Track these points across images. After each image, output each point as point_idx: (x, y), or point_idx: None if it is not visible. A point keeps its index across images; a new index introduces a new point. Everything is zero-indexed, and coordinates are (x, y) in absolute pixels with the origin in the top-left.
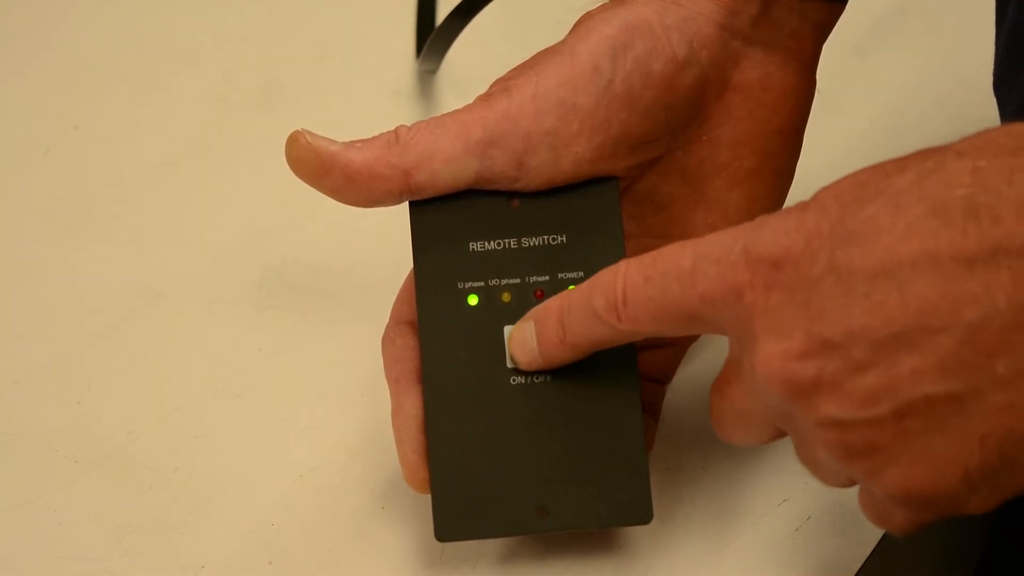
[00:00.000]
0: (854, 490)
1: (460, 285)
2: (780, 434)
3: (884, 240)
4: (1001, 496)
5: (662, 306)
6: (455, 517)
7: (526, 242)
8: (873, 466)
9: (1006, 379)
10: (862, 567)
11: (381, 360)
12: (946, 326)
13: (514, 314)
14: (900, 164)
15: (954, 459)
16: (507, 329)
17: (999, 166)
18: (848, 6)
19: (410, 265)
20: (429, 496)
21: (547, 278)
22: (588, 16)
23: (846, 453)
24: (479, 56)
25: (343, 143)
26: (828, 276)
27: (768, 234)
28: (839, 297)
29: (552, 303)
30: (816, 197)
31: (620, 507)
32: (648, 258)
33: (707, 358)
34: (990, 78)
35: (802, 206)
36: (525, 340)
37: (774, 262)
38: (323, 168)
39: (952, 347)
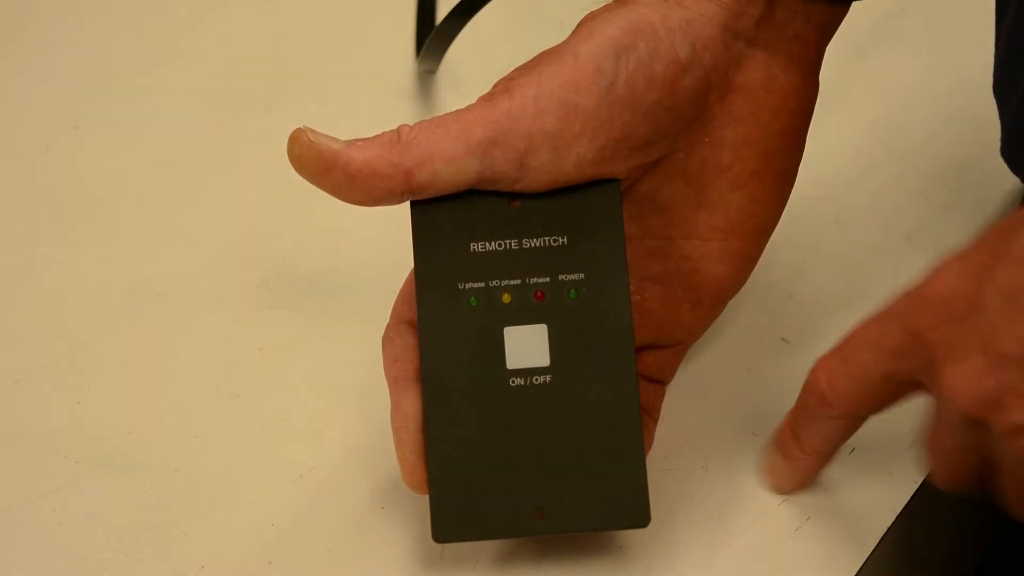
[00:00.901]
0: (854, 494)
1: (460, 285)
2: (981, 463)
3: None
4: None
5: (862, 378)
6: (453, 518)
7: (527, 243)
8: None
9: None
10: (862, 567)
11: (381, 360)
12: None
13: (514, 315)
14: None
15: None
16: (507, 330)
17: None
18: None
19: (410, 265)
20: (428, 496)
21: (547, 279)
22: (591, 17)
23: None
24: (479, 56)
25: (345, 141)
26: (995, 298)
27: (936, 278)
28: (1008, 314)
29: (784, 422)
30: (980, 236)
31: (618, 510)
32: (843, 342)
33: (707, 358)
34: (990, 79)
35: (966, 249)
36: (778, 468)
37: (945, 299)
38: (325, 166)
39: None
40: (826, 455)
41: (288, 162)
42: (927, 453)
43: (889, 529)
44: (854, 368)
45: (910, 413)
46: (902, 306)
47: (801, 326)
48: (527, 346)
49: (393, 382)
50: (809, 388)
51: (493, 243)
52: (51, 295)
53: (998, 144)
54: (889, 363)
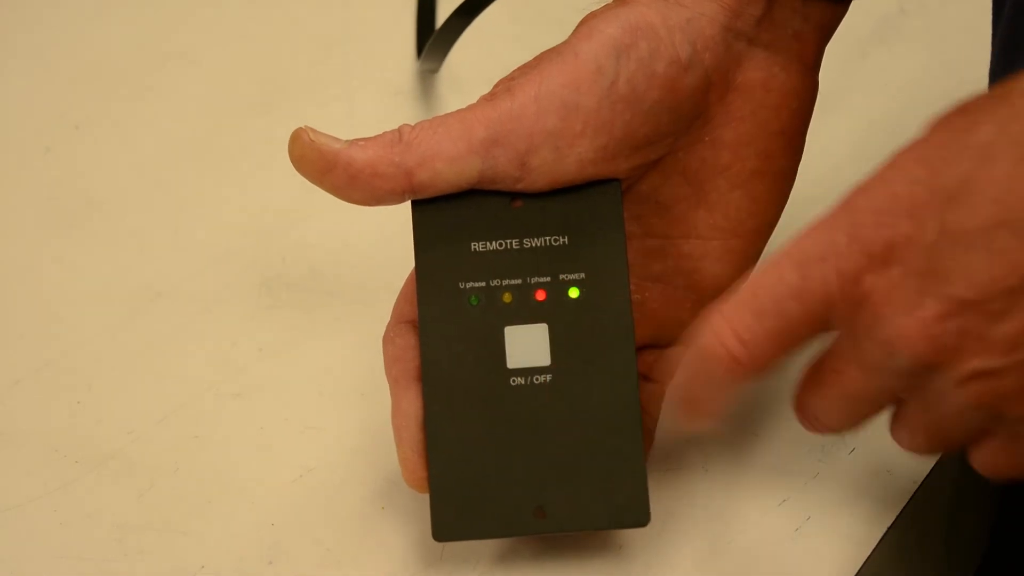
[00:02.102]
0: (854, 494)
1: (461, 285)
2: (888, 405)
3: (989, 193)
4: None
5: (787, 331)
6: (453, 517)
7: (528, 243)
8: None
9: None
10: (862, 567)
11: (381, 360)
12: None
13: (515, 314)
14: (970, 118)
15: None
16: (508, 330)
17: None
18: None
19: (411, 264)
20: (428, 495)
21: (548, 279)
22: (591, 16)
23: (998, 399)
24: (480, 56)
25: (346, 141)
26: (943, 241)
27: (868, 217)
28: (960, 257)
29: (671, 395)
30: (895, 164)
31: (617, 510)
32: (745, 294)
33: None
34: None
35: (884, 177)
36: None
37: (886, 242)
38: (326, 166)
39: None
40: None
41: (289, 162)
42: (818, 395)
43: (889, 529)
44: (775, 321)
45: None
46: (833, 245)
47: None
48: (528, 346)
49: (394, 381)
50: (710, 351)
51: (494, 243)
52: (51, 295)
53: None
54: (819, 311)
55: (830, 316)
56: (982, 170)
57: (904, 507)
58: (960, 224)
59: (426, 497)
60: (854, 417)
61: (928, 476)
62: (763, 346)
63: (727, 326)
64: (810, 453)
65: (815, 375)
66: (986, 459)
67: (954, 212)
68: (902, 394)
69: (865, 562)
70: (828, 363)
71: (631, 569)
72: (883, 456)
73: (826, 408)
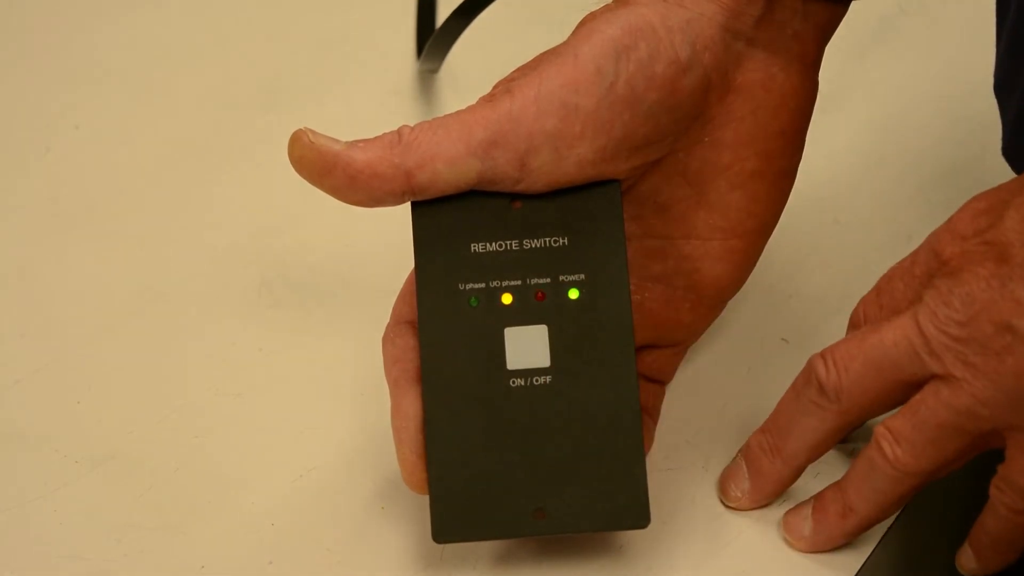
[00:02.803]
0: None
1: (461, 286)
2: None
3: None
4: None
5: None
6: (453, 518)
7: (527, 244)
8: None
9: None
10: (862, 567)
11: (381, 360)
12: None
13: (515, 316)
14: None
15: None
16: (508, 331)
17: None
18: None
19: (411, 265)
20: (428, 496)
21: (548, 280)
22: (591, 17)
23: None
24: (480, 56)
25: (346, 142)
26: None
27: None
28: None
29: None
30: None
31: (617, 511)
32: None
33: (707, 358)
34: (990, 79)
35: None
36: (739, 473)
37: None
38: (325, 167)
39: None
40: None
41: (288, 162)
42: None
43: (889, 529)
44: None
45: None
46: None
47: (801, 326)
48: (527, 347)
49: (393, 382)
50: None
51: (494, 244)
52: (51, 295)
53: (999, 144)
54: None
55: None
56: None
57: (904, 507)
58: None
59: (426, 498)
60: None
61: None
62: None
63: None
64: None
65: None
66: None
67: None
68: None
69: (865, 562)
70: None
71: (631, 569)
72: None
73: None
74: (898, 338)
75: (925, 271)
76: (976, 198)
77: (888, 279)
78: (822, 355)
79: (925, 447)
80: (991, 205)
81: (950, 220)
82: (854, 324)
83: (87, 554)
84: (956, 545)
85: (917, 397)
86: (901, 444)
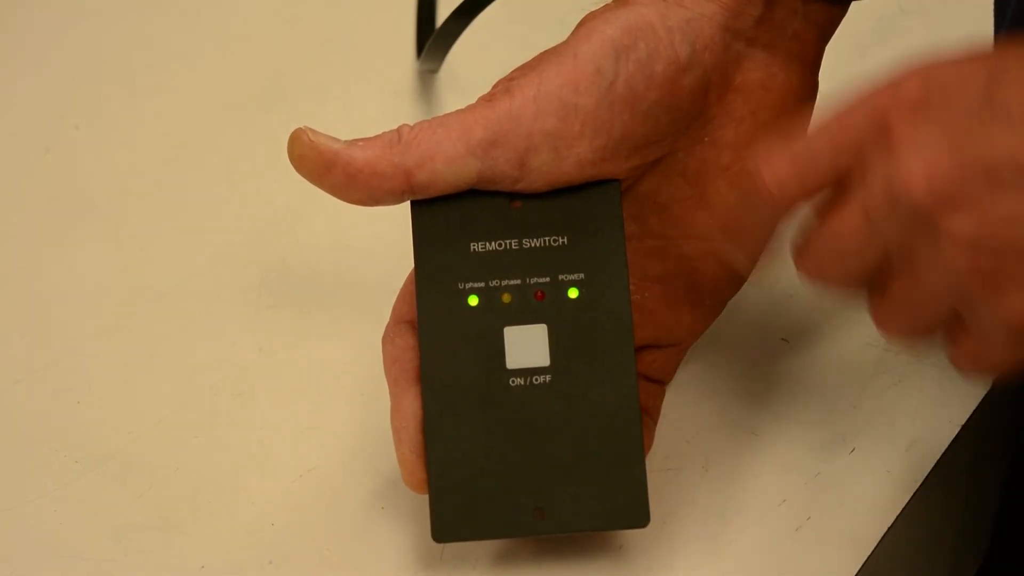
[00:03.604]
0: (854, 494)
1: (460, 285)
2: (884, 258)
3: None
4: None
5: (818, 169)
6: (453, 518)
7: (527, 243)
8: (993, 289)
9: None
10: (862, 567)
11: (381, 360)
12: None
13: (514, 315)
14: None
15: None
16: (507, 330)
17: None
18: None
19: (410, 264)
20: (428, 496)
21: (548, 279)
22: (590, 17)
23: (973, 273)
24: (480, 56)
25: (345, 141)
26: (983, 110)
27: (914, 78)
28: (990, 128)
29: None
30: (980, 51)
31: (617, 510)
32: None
33: (707, 358)
34: None
35: (968, 54)
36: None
37: (921, 99)
38: (325, 166)
39: None
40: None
41: (288, 162)
42: (817, 237)
43: (889, 529)
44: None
45: (910, 414)
46: (872, 96)
47: (801, 326)
48: (527, 346)
49: (393, 382)
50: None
51: (493, 243)
52: (51, 295)
53: None
54: (846, 148)
55: (856, 162)
56: None
57: (904, 507)
58: (1007, 102)
59: (425, 497)
60: (843, 268)
61: (928, 476)
62: (790, 183)
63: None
64: (810, 453)
65: (820, 216)
66: (958, 355)
67: (1006, 91)
68: (893, 248)
69: (865, 562)
70: (834, 205)
71: (631, 569)
72: (883, 456)
73: (822, 253)
74: None
75: (860, 129)
76: (933, 68)
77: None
78: None
79: None
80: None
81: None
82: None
83: (87, 554)
84: (956, 545)
85: None
86: None
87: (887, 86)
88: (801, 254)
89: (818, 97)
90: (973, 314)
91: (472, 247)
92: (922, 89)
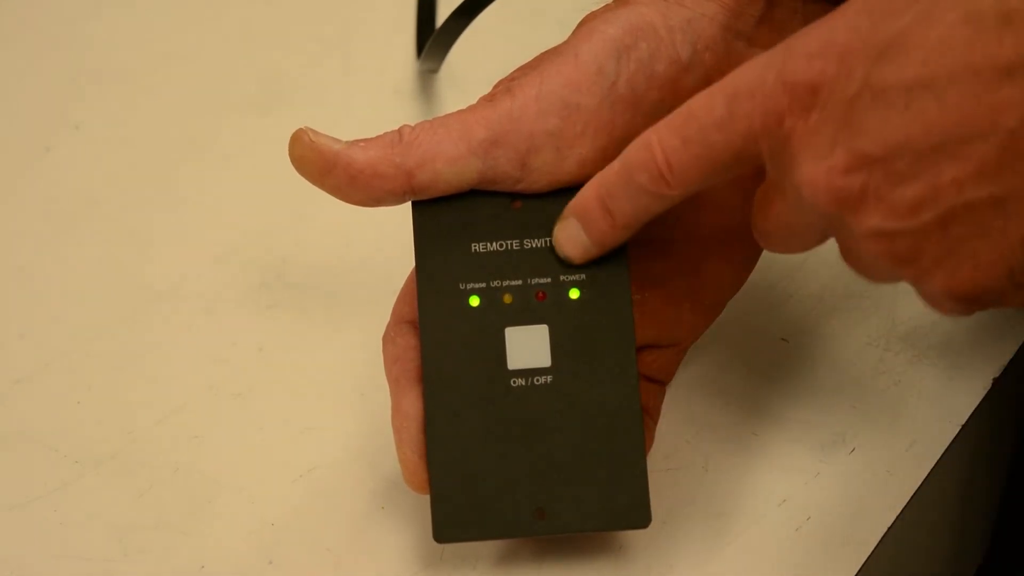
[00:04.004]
0: (854, 494)
1: (462, 286)
2: (826, 237)
3: (919, 54)
4: None
5: (709, 160)
6: (454, 518)
7: (528, 243)
8: (919, 271)
9: None
10: (862, 567)
11: (381, 360)
12: (985, 133)
13: (515, 315)
14: None
15: (998, 261)
16: (508, 331)
17: None
18: None
19: (410, 264)
20: (428, 497)
21: (549, 280)
22: (591, 17)
23: (893, 261)
24: (480, 56)
25: (346, 142)
26: (865, 93)
27: (800, 60)
28: (877, 112)
29: (588, 193)
30: (842, 10)
31: (618, 511)
32: (678, 119)
33: (707, 358)
34: None
35: (830, 23)
36: (573, 237)
37: (811, 86)
38: (326, 167)
39: (992, 153)
40: (635, 229)
41: (288, 162)
42: (762, 221)
43: (889, 529)
44: (700, 150)
45: (909, 414)
46: (762, 83)
47: (801, 326)
48: (528, 347)
49: (394, 382)
50: (640, 165)
51: (494, 243)
52: (51, 295)
53: None
54: (741, 146)
55: (754, 152)
56: (919, 28)
57: (904, 507)
58: (884, 79)
59: (426, 497)
60: (794, 244)
61: (928, 476)
62: (687, 170)
63: (658, 145)
64: (810, 453)
65: (759, 202)
66: (918, 293)
67: (881, 66)
68: (827, 231)
69: (865, 562)
70: (764, 194)
71: (631, 569)
72: (883, 456)
73: (770, 231)
74: None
75: (752, 129)
76: (813, 44)
77: (698, 125)
78: None
79: None
80: (836, 54)
81: (783, 71)
82: (647, 167)
83: (87, 554)
84: (956, 545)
85: None
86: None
87: (776, 79)
88: (756, 229)
89: None
90: (909, 284)
91: (473, 247)
92: (808, 77)
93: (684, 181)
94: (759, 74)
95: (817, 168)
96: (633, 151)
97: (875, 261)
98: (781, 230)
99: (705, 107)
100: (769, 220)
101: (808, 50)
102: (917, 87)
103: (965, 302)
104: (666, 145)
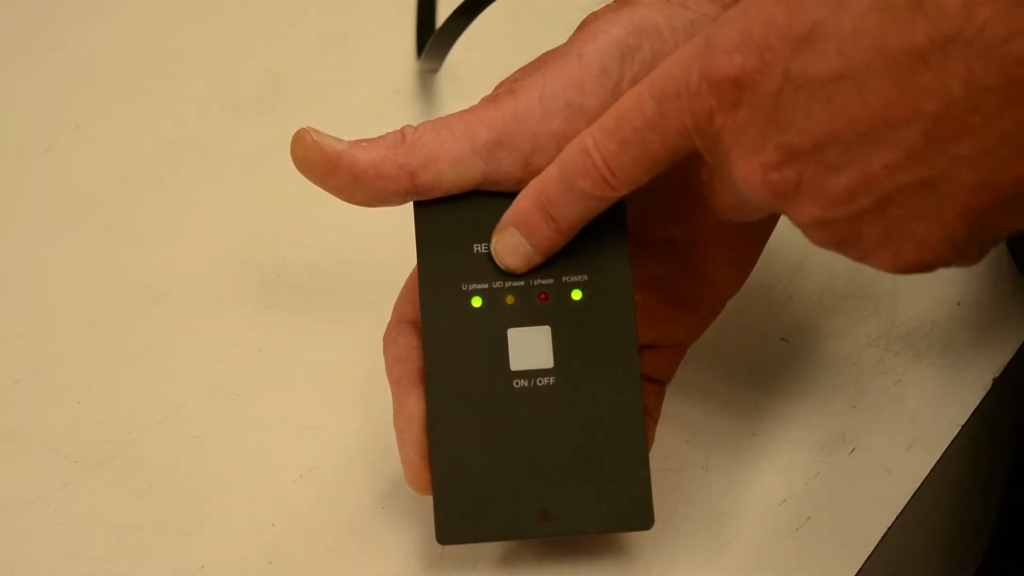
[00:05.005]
0: (854, 494)
1: (464, 287)
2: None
3: (834, 44)
4: (988, 248)
5: (648, 159)
6: (457, 520)
7: None
8: (864, 252)
9: (971, 158)
10: (862, 567)
11: (382, 360)
12: (908, 120)
13: (518, 317)
14: None
15: (938, 237)
16: (511, 332)
17: None
18: None
19: (411, 264)
20: (429, 496)
21: (551, 281)
22: (593, 17)
23: (837, 245)
24: (480, 56)
25: (349, 142)
26: (787, 87)
27: (720, 56)
28: (801, 106)
29: (526, 202)
30: (756, 1)
31: (621, 512)
32: (610, 122)
33: (707, 358)
34: None
35: (744, 13)
36: (514, 247)
37: (734, 82)
38: (329, 166)
39: (917, 139)
40: (576, 231)
41: (289, 162)
42: (711, 199)
43: (889, 529)
44: (637, 151)
45: (909, 414)
46: (687, 83)
47: (801, 326)
48: (530, 348)
49: (396, 382)
50: (580, 171)
51: None
52: (51, 295)
53: None
54: (676, 142)
55: (690, 146)
56: (832, 17)
57: (904, 507)
58: (804, 72)
59: (426, 497)
60: (747, 215)
61: (928, 476)
62: (629, 171)
63: (596, 151)
64: (810, 453)
65: (704, 189)
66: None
67: (800, 58)
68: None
69: (865, 562)
70: (706, 181)
71: (632, 570)
72: (883, 456)
73: (720, 206)
74: None
75: (685, 128)
76: (730, 38)
77: (631, 127)
78: None
79: None
80: (755, 48)
81: (706, 68)
82: (589, 172)
83: (87, 554)
84: (956, 545)
85: None
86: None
87: (700, 79)
88: (708, 201)
89: None
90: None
91: (475, 248)
92: (730, 74)
93: (628, 181)
94: (683, 72)
95: (750, 164)
96: (571, 158)
97: (821, 245)
98: (730, 209)
99: (636, 108)
100: (717, 198)
101: (727, 45)
102: (837, 79)
103: (913, 271)
104: (604, 150)
